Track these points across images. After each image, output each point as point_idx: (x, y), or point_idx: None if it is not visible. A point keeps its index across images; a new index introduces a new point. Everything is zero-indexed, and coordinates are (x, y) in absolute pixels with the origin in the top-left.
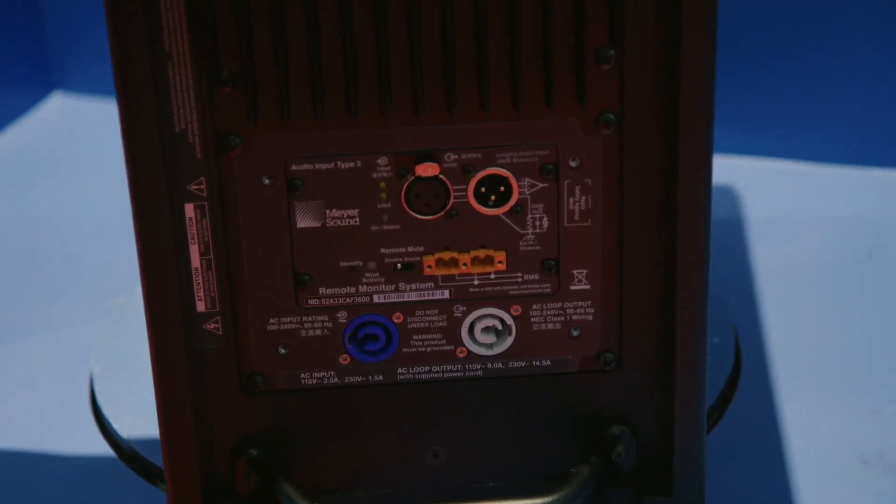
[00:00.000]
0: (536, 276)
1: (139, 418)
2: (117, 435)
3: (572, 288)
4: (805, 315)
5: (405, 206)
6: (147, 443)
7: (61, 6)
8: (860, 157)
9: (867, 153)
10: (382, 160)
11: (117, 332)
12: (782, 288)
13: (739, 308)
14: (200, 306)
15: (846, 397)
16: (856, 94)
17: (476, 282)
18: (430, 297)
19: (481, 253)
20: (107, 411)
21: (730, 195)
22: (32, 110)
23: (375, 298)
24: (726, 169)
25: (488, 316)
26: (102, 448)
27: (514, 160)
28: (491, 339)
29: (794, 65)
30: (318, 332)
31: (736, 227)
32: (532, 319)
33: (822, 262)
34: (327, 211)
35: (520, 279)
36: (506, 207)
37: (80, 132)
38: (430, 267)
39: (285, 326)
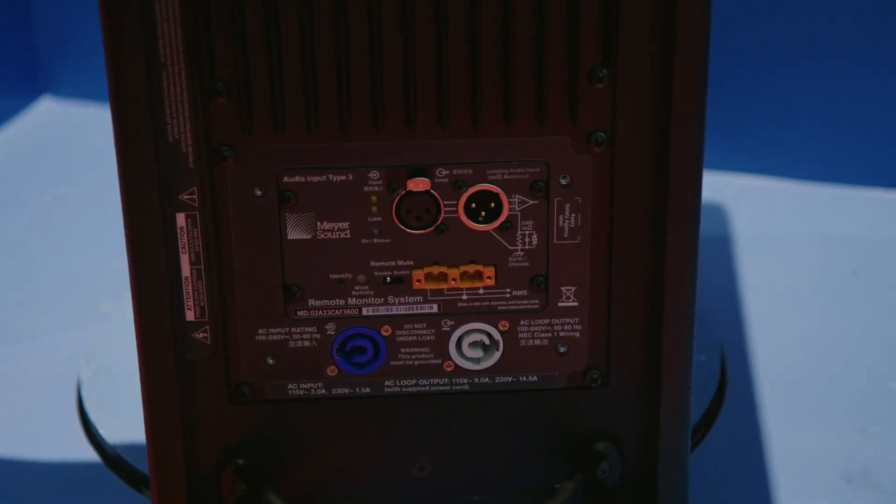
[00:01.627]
0: (525, 293)
1: (125, 424)
2: (103, 441)
3: (560, 304)
4: (791, 333)
5: (396, 220)
6: (133, 449)
7: (51, 10)
8: (847, 176)
9: (854, 172)
10: (374, 174)
11: (105, 339)
12: (769, 305)
13: (726, 325)
14: (190, 315)
15: (831, 416)
16: (845, 114)
17: (465, 297)
18: (419, 311)
19: (470, 268)
20: (93, 416)
21: (717, 212)
22: (21, 114)
23: (364, 311)
24: (714, 186)
25: (476, 331)
26: (88, 454)
27: (505, 177)
28: (478, 353)
29: (783, 83)
30: (307, 343)
31: (723, 245)
32: (519, 335)
33: (807, 280)
34: (318, 223)
35: (508, 295)
36: (496, 223)
37: (70, 137)
38: (419, 281)
39: (274, 337)
